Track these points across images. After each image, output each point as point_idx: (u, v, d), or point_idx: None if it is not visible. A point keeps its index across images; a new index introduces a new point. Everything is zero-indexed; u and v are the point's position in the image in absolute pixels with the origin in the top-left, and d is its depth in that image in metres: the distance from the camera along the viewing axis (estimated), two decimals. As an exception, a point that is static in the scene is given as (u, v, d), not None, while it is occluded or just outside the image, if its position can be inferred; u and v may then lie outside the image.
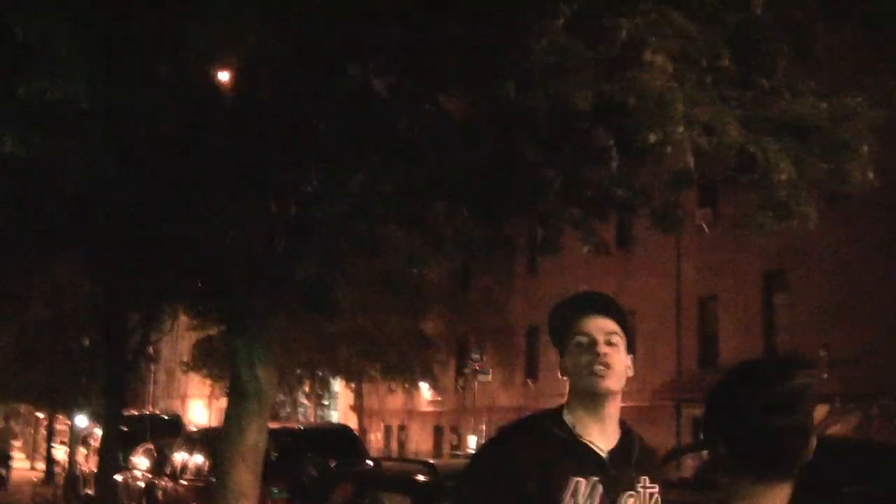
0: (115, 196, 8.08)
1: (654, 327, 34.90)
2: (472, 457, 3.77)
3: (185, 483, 17.35)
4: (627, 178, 6.80)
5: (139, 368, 17.51)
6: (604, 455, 3.29)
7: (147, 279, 11.88)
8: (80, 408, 30.91)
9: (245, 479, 8.34)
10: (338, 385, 54.27)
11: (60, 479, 33.02)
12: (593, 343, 3.34)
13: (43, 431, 51.97)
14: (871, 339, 25.82)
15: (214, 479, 8.58)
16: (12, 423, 44.45)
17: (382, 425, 52.83)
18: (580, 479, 3.22)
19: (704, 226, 31.10)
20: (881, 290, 25.80)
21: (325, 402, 56.76)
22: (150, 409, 44.31)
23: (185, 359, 46.99)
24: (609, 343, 3.34)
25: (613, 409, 3.39)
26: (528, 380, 41.92)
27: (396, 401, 51.33)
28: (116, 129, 7.00)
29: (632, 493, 3.30)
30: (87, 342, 25.45)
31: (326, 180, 7.62)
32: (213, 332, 31.19)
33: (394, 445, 51.25)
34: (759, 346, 30.24)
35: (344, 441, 16.02)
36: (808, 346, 27.68)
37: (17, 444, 47.84)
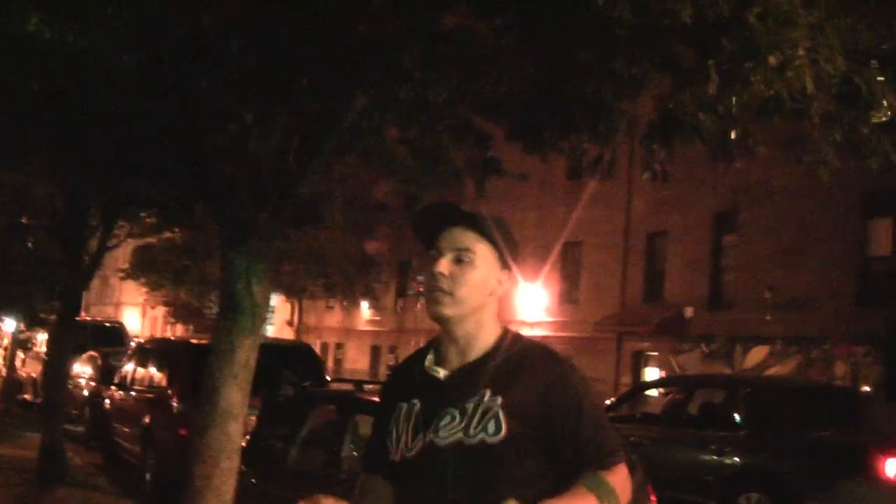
0: (124, 94, 7.67)
1: (601, 259, 35.10)
2: None
3: (134, 394, 17.07)
4: (718, 103, 6.37)
5: (92, 274, 17.02)
6: (440, 377, 3.02)
7: (124, 185, 11.41)
8: (22, 313, 30.32)
9: (235, 398, 8.03)
10: (275, 299, 54.15)
11: (-2, 384, 32.54)
12: (435, 262, 3.01)
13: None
14: (816, 284, 26.07)
15: (201, 397, 8.25)
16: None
17: (319, 342, 52.74)
18: (403, 403, 3.04)
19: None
20: (830, 235, 26.03)
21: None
22: (88, 316, 43.70)
23: (121, 266, 46.43)
24: (458, 261, 3.00)
25: (468, 328, 3.04)
26: (470, 305, 41.82)
27: (335, 318, 51.41)
28: (146, 20, 6.55)
29: (453, 409, 2.93)
30: (31, 245, 24.88)
31: (344, 94, 7.24)
32: (152, 239, 30.72)
33: (330, 363, 51.27)
34: (705, 284, 30.48)
35: (306, 359, 15.73)
36: (754, 288, 27.95)
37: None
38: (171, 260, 39.58)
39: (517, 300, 37.78)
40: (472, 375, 2.98)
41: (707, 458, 13.22)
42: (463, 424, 2.90)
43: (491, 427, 2.88)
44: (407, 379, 3.12)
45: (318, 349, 50.51)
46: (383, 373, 46.27)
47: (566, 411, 2.92)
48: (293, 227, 9.73)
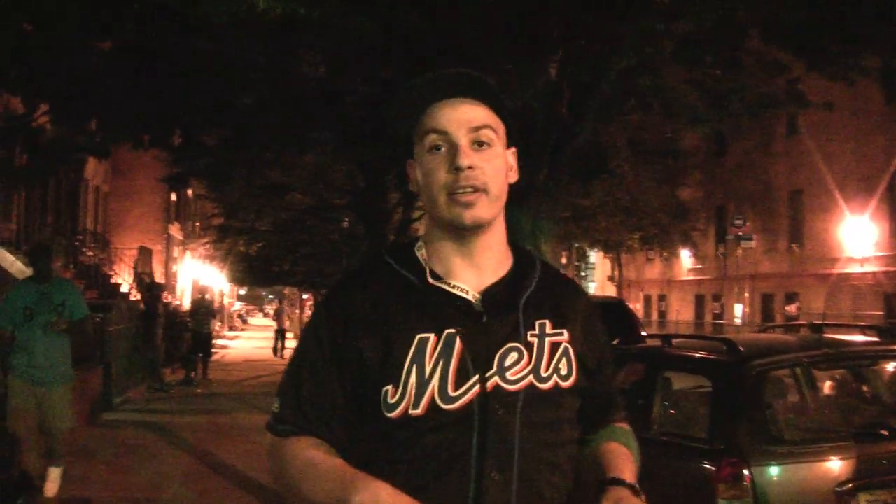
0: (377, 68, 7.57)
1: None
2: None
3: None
4: None
5: (398, 247, 17.23)
6: (470, 297, 2.29)
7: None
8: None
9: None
10: (594, 256, 53.76)
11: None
12: (453, 146, 2.25)
13: (308, 311, 53.67)
14: None
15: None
16: (286, 304, 46.02)
17: (641, 295, 51.77)
18: (427, 334, 2.21)
19: None
20: None
21: (583, 274, 56.38)
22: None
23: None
24: (478, 143, 2.26)
25: (493, 236, 2.34)
26: (792, 245, 40.36)
27: (655, 270, 49.66)
28: None
29: (514, 345, 2.24)
30: (346, 224, 25.76)
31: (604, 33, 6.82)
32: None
33: (653, 315, 50.47)
34: None
35: (619, 316, 15.30)
36: None
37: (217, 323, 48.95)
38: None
39: (842, 235, 36.05)
40: (511, 300, 2.32)
41: None
42: (532, 365, 2.26)
43: (563, 369, 2.31)
44: (405, 301, 2.28)
45: (640, 302, 50.25)
46: (709, 322, 45.28)
47: (600, 353, 2.45)
48: (581, 181, 9.29)
